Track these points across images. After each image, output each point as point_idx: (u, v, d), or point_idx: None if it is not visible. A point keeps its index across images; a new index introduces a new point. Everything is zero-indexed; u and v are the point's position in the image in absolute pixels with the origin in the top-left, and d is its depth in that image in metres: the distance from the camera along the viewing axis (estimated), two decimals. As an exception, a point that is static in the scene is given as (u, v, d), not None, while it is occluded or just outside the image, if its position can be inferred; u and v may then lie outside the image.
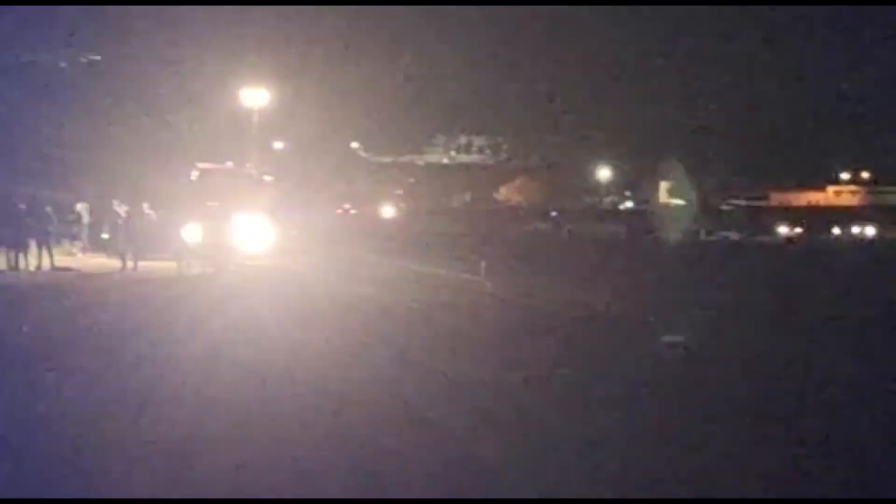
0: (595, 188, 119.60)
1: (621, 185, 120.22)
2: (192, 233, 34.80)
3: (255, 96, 55.03)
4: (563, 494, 7.97)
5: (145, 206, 36.53)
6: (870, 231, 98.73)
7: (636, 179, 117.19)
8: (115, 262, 34.17)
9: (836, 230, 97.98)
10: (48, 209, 33.77)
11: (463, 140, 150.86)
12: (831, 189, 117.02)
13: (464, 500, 7.93)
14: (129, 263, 33.64)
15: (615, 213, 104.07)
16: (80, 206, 38.77)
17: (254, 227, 36.93)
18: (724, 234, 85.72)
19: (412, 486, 8.11)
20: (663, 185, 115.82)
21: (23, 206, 33.46)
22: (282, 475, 8.35)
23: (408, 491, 7.95)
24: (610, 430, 9.93)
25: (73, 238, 38.53)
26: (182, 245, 33.70)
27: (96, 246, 37.45)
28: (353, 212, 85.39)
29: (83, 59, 53.46)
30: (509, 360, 14.43)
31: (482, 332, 17.90)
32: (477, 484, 8.25)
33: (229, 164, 44.09)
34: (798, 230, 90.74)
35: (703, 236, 78.31)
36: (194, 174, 41.44)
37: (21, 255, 32.51)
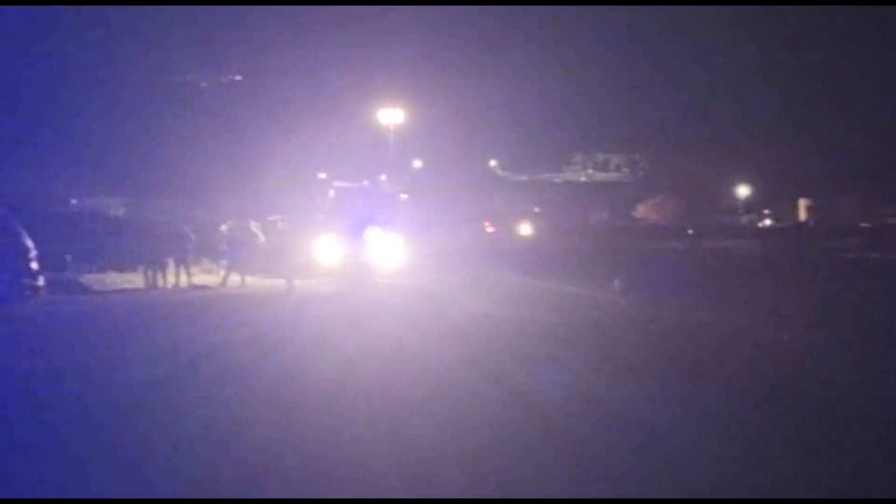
0: (733, 206, 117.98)
1: (760, 202, 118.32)
2: (327, 250, 35.21)
3: (392, 115, 55.65)
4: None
5: (279, 222, 37.07)
6: None
7: (775, 197, 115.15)
8: (256, 281, 34.68)
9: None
10: (186, 227, 34.44)
11: (601, 157, 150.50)
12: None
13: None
14: (238, 279, 34.25)
15: (754, 230, 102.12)
16: (225, 226, 39.34)
17: (389, 246, 37.14)
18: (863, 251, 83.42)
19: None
20: (802, 203, 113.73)
21: (162, 224, 34.30)
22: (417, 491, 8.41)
23: None
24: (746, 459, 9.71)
25: (217, 256, 39.10)
26: (307, 262, 34.01)
27: (238, 264, 37.93)
28: (490, 230, 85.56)
29: (224, 79, 54.57)
30: (642, 379, 14.32)
31: (615, 350, 17.65)
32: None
33: (366, 182, 44.52)
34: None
35: (851, 254, 76.29)
36: (331, 192, 42.04)
37: (159, 274, 33.37)
